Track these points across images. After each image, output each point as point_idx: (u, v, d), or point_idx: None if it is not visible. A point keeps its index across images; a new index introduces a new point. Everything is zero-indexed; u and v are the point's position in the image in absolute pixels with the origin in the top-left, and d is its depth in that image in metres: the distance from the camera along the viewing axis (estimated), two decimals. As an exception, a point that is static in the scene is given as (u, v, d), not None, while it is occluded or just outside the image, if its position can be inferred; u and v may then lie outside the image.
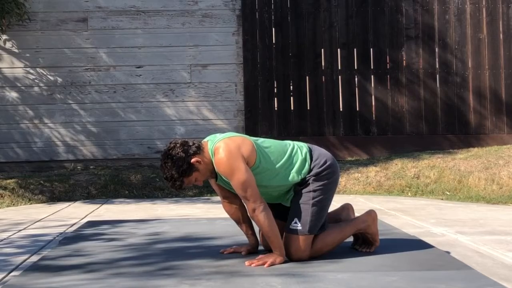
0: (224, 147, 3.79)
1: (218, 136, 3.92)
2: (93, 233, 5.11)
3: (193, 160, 3.80)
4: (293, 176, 3.93)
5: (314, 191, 3.92)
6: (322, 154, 4.03)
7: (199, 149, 3.84)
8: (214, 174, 3.92)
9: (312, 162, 3.96)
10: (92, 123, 8.94)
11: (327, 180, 3.96)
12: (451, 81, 9.16)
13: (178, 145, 3.85)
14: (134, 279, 3.57)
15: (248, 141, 3.88)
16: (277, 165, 3.90)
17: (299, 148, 4.01)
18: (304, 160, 3.96)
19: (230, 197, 4.06)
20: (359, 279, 3.46)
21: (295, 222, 3.89)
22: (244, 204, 3.90)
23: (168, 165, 3.81)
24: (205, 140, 3.95)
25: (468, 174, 7.89)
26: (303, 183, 3.94)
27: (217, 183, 4.02)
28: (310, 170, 3.95)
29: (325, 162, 3.98)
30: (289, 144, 4.04)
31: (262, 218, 3.79)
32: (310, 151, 4.01)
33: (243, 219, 4.12)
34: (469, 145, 9.00)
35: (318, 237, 3.95)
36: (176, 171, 3.79)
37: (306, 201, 3.91)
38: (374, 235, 4.13)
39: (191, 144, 3.85)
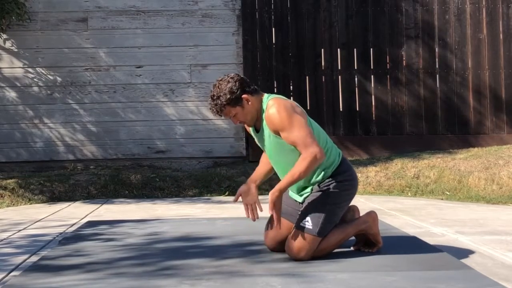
0: (278, 102, 3.87)
1: (274, 95, 4.02)
2: (93, 233, 5.11)
3: (244, 95, 3.90)
4: (324, 163, 3.93)
5: (332, 196, 3.96)
6: (350, 165, 4.11)
7: (255, 92, 3.96)
8: (253, 123, 3.99)
9: (339, 166, 4.01)
10: (92, 123, 8.94)
11: (346, 191, 4.01)
12: (451, 81, 9.15)
13: (239, 77, 3.96)
14: (134, 279, 3.57)
15: (297, 105, 3.96)
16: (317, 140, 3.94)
17: (337, 149, 4.09)
18: (337, 158, 4.02)
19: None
20: (359, 279, 3.47)
21: (307, 220, 3.92)
22: (302, 150, 3.82)
23: (221, 86, 3.90)
24: (263, 93, 4.05)
25: (468, 174, 7.89)
26: (324, 184, 3.96)
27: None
28: (333, 173, 3.98)
29: (351, 174, 4.05)
30: (329, 138, 4.11)
31: (313, 165, 3.79)
32: (343, 157, 4.08)
33: (266, 172, 4.15)
34: (469, 145, 8.99)
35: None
36: (225, 95, 3.87)
37: (322, 203, 3.94)
38: (375, 236, 4.14)
39: (251, 84, 3.98)
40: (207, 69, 8.98)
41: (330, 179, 3.97)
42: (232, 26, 9.02)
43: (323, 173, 3.97)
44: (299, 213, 3.98)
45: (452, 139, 9.08)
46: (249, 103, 3.90)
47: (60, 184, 7.98)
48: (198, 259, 4.02)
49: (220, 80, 3.93)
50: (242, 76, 3.99)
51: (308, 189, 4.01)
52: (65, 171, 8.65)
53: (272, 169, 4.13)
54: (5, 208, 7.22)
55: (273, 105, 3.86)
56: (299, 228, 3.92)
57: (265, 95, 3.99)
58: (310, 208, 3.94)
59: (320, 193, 3.96)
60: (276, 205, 3.85)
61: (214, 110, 3.94)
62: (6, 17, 8.35)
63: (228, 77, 3.95)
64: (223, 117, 4.03)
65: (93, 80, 8.95)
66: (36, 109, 8.90)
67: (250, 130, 4.09)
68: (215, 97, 3.90)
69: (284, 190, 3.87)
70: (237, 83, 3.89)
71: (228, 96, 3.87)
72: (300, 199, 4.05)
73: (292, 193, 4.13)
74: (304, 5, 9.13)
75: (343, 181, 3.99)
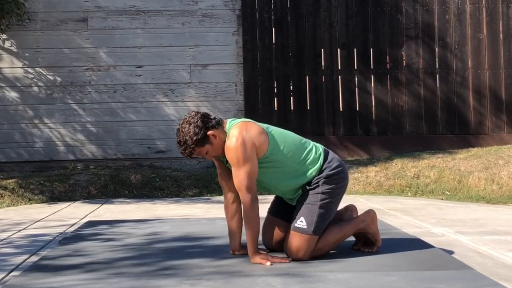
0: (238, 134, 3.82)
1: (237, 120, 3.97)
2: (93, 233, 5.11)
3: (209, 132, 3.85)
4: (303, 171, 3.95)
5: (322, 193, 3.95)
6: (335, 158, 4.07)
7: (218, 125, 3.90)
8: (224, 153, 3.94)
9: (325, 163, 3.99)
10: (92, 123, 8.94)
11: (336, 185, 3.99)
12: (451, 81, 9.15)
13: (199, 115, 3.90)
14: (134, 279, 3.57)
15: (261, 129, 3.90)
16: (288, 156, 3.92)
17: (315, 147, 4.05)
18: (318, 158, 3.99)
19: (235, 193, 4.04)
20: (359, 279, 3.47)
21: (301, 221, 3.92)
22: (240, 192, 3.86)
23: (184, 130, 3.85)
24: (225, 120, 4.00)
25: (468, 174, 7.89)
26: (313, 183, 3.96)
27: (223, 166, 4.02)
28: (321, 171, 3.97)
29: (338, 166, 4.02)
30: (306, 140, 4.08)
31: (256, 211, 3.82)
32: (326, 152, 4.05)
33: (238, 230, 4.09)
34: (469, 145, 8.99)
35: (319, 236, 3.96)
36: (190, 138, 3.83)
37: (314, 202, 3.93)
38: (374, 235, 4.14)
39: (212, 117, 3.92)
40: (207, 69, 8.99)
41: (318, 176, 3.96)
42: (232, 26, 9.02)
43: (309, 173, 3.96)
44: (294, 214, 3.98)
45: (452, 139, 9.08)
46: (216, 137, 3.87)
47: (60, 184, 7.98)
48: (198, 259, 4.02)
49: (182, 123, 3.88)
50: (202, 112, 3.93)
51: (299, 191, 4.00)
52: (65, 171, 8.65)
53: (240, 219, 4.03)
54: (5, 208, 7.22)
55: (233, 137, 3.82)
56: (295, 229, 3.92)
57: (227, 122, 3.94)
58: (303, 208, 3.93)
59: (311, 191, 3.95)
60: (264, 257, 3.86)
61: (185, 154, 3.89)
62: (5, 17, 8.35)
63: (189, 117, 3.89)
64: (198, 158, 4.01)
65: (93, 80, 8.95)
66: (36, 109, 8.90)
67: (221, 160, 4.03)
68: (182, 143, 3.86)
69: (255, 246, 3.86)
70: (198, 121, 3.83)
71: (194, 138, 3.82)
72: (294, 202, 4.05)
73: (287, 200, 4.13)
74: (304, 5, 9.13)
75: (331, 176, 3.97)
